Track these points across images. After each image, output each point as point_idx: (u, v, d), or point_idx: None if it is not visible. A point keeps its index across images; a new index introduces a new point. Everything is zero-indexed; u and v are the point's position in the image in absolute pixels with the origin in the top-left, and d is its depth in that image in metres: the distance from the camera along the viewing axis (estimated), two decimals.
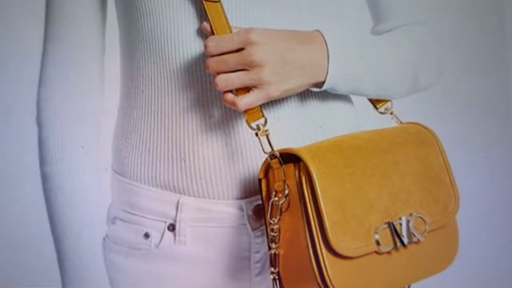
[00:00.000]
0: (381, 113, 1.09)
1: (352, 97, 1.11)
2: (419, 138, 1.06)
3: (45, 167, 1.04)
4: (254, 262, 1.03)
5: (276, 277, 0.95)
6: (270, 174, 0.96)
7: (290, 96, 1.02)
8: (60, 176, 1.03)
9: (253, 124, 0.97)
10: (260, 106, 0.97)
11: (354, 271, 0.94)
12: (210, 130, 1.00)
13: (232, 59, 0.95)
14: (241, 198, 1.01)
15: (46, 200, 1.04)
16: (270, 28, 0.97)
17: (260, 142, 0.96)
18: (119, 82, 1.09)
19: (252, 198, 1.01)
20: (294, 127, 1.03)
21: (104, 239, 1.06)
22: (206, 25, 0.97)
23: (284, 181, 0.94)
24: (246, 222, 1.02)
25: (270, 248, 0.95)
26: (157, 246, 1.03)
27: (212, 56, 0.95)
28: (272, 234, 0.95)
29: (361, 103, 1.12)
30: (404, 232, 0.98)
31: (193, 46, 1.00)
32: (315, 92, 1.03)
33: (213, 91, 1.00)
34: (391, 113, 1.10)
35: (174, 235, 1.02)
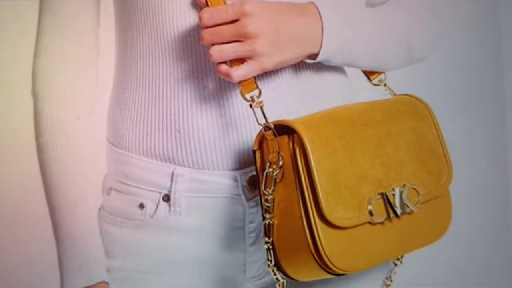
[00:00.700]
0: (374, 84, 1.10)
1: (346, 69, 1.11)
2: (413, 109, 1.06)
3: (40, 138, 1.04)
4: (248, 232, 1.03)
5: (270, 246, 0.95)
6: (265, 145, 0.97)
7: (284, 68, 1.02)
8: (55, 147, 1.03)
9: (247, 96, 0.97)
10: (254, 77, 0.97)
11: (347, 241, 0.95)
12: (205, 101, 1.01)
13: (227, 30, 0.95)
14: (236, 169, 1.02)
15: (41, 171, 1.05)
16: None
17: (254, 114, 0.97)
18: (114, 54, 1.10)
19: (247, 169, 1.02)
20: (288, 99, 1.03)
21: (99, 209, 1.07)
22: None
23: (278, 153, 0.95)
24: (241, 192, 1.02)
25: (264, 218, 0.95)
26: (152, 216, 1.03)
27: (207, 27, 0.96)
28: (266, 204, 0.95)
29: (355, 75, 1.12)
30: (397, 203, 0.99)
31: (188, 18, 1.00)
32: (309, 63, 1.03)
33: (207, 62, 1.00)
34: (385, 85, 1.10)
35: (169, 205, 1.03)
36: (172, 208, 1.02)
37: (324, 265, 0.93)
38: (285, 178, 0.95)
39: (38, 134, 1.04)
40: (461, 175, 1.17)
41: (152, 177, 1.02)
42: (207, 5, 0.96)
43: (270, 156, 0.95)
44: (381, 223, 0.97)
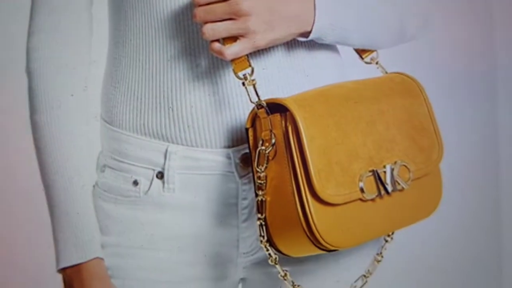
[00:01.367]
0: (367, 63, 1.10)
1: (339, 47, 1.11)
2: (404, 87, 1.07)
3: (35, 116, 1.04)
4: (241, 208, 1.04)
5: (263, 223, 0.96)
6: (257, 123, 0.97)
7: (277, 46, 1.02)
8: (50, 124, 1.03)
9: (240, 74, 0.98)
10: (247, 55, 0.98)
11: (339, 217, 0.96)
12: (198, 79, 1.01)
13: (219, 8, 0.95)
14: (229, 147, 1.03)
15: (36, 148, 1.05)
16: None
17: (247, 92, 0.97)
18: (107, 31, 1.10)
19: (240, 147, 1.03)
20: (281, 77, 1.03)
21: (94, 186, 1.07)
22: None
23: (271, 131, 0.96)
24: (234, 170, 1.03)
25: (257, 195, 0.96)
26: (145, 193, 1.04)
27: (200, 5, 0.96)
28: (259, 181, 0.96)
29: (347, 53, 1.12)
30: (388, 180, 1.00)
31: None
32: (301, 42, 1.04)
33: (200, 40, 1.01)
34: (377, 63, 1.11)
35: (163, 182, 1.03)
36: (165, 185, 1.03)
37: (315, 241, 0.94)
38: (278, 156, 0.96)
39: (32, 112, 1.05)
40: (451, 152, 1.18)
41: (146, 154, 1.03)
42: None
43: (263, 134, 0.96)
44: (372, 200, 0.98)
